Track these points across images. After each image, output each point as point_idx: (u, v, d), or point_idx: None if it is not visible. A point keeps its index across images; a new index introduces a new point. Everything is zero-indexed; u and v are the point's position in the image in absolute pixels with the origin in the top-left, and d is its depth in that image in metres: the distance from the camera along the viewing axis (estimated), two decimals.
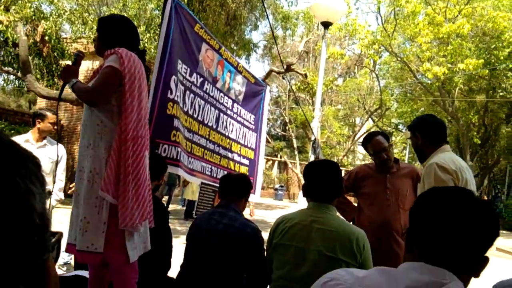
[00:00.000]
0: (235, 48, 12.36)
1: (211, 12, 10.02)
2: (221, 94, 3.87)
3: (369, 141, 2.91)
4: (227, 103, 3.98)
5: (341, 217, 2.34)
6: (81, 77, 2.69)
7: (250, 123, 4.47)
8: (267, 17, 9.18)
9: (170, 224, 2.88)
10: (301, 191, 2.29)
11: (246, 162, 4.40)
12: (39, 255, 0.39)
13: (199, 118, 3.52)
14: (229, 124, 4.04)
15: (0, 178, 0.35)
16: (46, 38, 8.87)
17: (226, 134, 3.99)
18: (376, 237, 2.60)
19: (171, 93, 3.10)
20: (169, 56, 3.06)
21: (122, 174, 1.97)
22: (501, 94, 16.44)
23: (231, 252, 2.21)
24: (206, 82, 3.59)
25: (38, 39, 8.85)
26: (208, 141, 3.67)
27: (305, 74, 12.76)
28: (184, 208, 11.29)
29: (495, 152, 23.06)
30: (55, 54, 9.42)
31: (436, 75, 12.15)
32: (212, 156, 3.75)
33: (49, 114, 3.86)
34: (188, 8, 3.80)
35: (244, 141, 4.37)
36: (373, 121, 20.82)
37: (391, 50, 14.58)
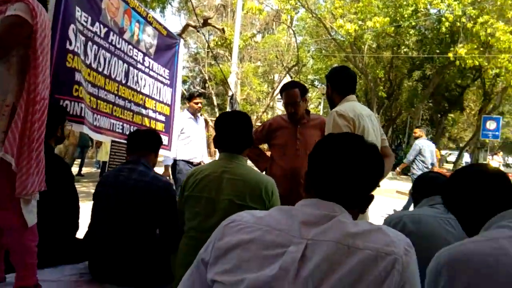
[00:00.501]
0: (147, 0, 11.55)
1: None
2: (130, 46, 3.60)
3: (285, 90, 2.96)
4: (137, 56, 3.73)
5: (253, 167, 2.39)
6: None
7: (164, 77, 4.26)
8: None
9: (84, 187, 2.72)
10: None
11: (162, 118, 4.23)
12: None
13: (105, 72, 3.26)
14: (141, 79, 3.80)
15: None
16: None
17: (138, 89, 3.77)
18: (287, 186, 2.72)
19: (70, 44, 2.82)
20: (65, 2, 2.76)
21: (27, 138, 1.84)
22: (404, 50, 17.77)
23: (142, 207, 2.16)
24: (112, 32, 3.31)
25: None
26: (117, 97, 3.44)
27: (223, 29, 12.49)
28: (99, 170, 10.83)
29: (398, 105, 25.23)
30: None
31: (348, 32, 12.67)
32: (123, 112, 3.53)
33: None
34: None
35: (159, 97, 4.17)
36: (291, 77, 21.34)
37: (306, 6, 14.78)
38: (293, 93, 2.92)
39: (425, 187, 2.05)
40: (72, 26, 2.81)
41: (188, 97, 5.03)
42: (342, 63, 20.49)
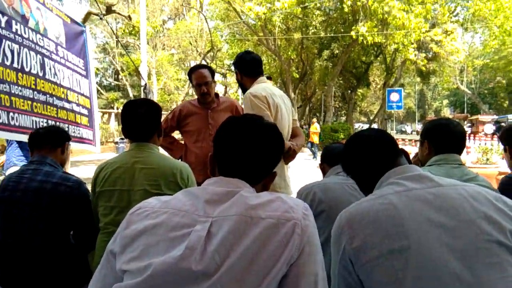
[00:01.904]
0: None
1: None
2: (39, 35, 3.25)
3: (194, 72, 2.94)
4: (49, 46, 3.39)
5: (167, 155, 2.35)
6: None
7: (80, 68, 3.95)
8: None
9: None
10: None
11: (85, 112, 3.94)
12: None
13: (16, 65, 2.92)
14: (58, 71, 3.48)
15: None
16: None
17: (58, 82, 3.45)
18: (203, 172, 2.72)
19: None
20: None
21: None
22: (312, 31, 18.52)
23: (50, 210, 2.02)
24: (14, 21, 2.96)
25: None
26: (36, 92, 3.13)
27: (129, 16, 11.88)
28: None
29: (312, 84, 26.37)
30: None
31: (258, 15, 12.85)
32: (45, 108, 3.23)
33: None
34: None
35: (80, 89, 3.87)
36: (207, 63, 21.16)
37: None
38: (203, 72, 2.91)
39: (330, 157, 2.21)
40: None
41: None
42: (256, 46, 20.79)
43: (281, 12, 14.16)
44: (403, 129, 49.80)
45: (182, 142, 3.06)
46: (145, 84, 6.17)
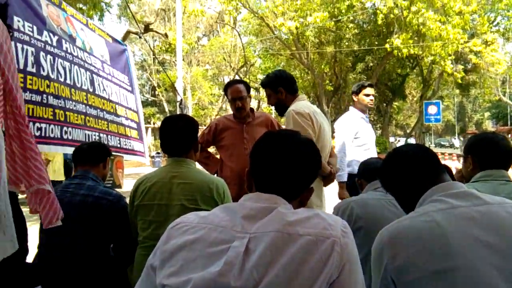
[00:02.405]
0: (84, 8, 11.13)
1: None
2: (86, 54, 3.39)
3: (229, 87, 2.98)
4: (96, 63, 3.52)
5: (203, 170, 2.38)
6: None
7: (126, 84, 4.09)
8: None
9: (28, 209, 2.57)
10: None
11: (134, 125, 4.06)
12: None
13: (68, 81, 3.03)
14: (106, 86, 3.61)
15: None
16: None
17: (107, 97, 3.57)
18: (239, 187, 2.74)
19: None
20: None
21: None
22: (346, 44, 18.41)
23: (92, 223, 2.09)
24: (64, 40, 3.08)
25: None
26: (88, 106, 3.24)
27: (166, 34, 12.28)
28: None
29: (346, 98, 26.08)
30: None
31: (290, 30, 12.94)
32: (97, 122, 3.34)
33: None
34: None
35: (127, 104, 4.00)
36: (240, 78, 21.45)
37: (248, 6, 14.91)
38: (239, 87, 2.93)
39: (367, 172, 2.16)
40: None
41: (356, 90, 3.76)
42: (288, 60, 20.90)
43: (313, 26, 14.20)
44: (442, 143, 48.12)
45: (218, 156, 3.09)
46: (181, 99, 6.32)
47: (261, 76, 27.30)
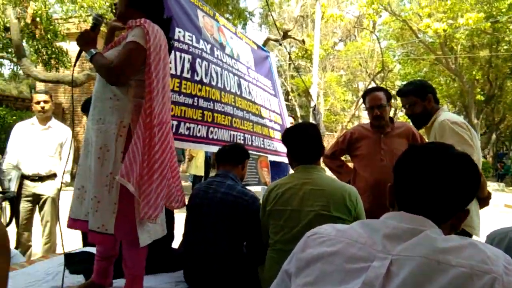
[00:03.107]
0: (230, 18, 12.10)
1: None
2: (233, 60, 3.69)
3: (368, 94, 2.88)
4: (242, 69, 3.80)
5: (332, 176, 2.35)
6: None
7: (269, 88, 4.33)
8: None
9: None
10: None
11: (278, 127, 4.28)
12: None
13: (219, 85, 3.30)
14: (252, 90, 3.86)
15: None
16: (37, 19, 8.73)
17: (252, 99, 3.81)
18: (372, 198, 2.62)
19: None
20: None
21: (148, 164, 1.88)
22: (505, 47, 16.10)
23: (230, 220, 2.24)
24: (215, 48, 3.40)
25: (29, 21, 8.70)
26: (235, 108, 3.48)
27: (303, 40, 12.54)
28: (191, 183, 11.43)
29: (501, 108, 22.83)
30: (48, 35, 9.29)
31: (437, 32, 11.89)
32: (242, 123, 3.58)
33: (34, 94, 3.81)
34: None
35: (270, 106, 4.22)
36: (376, 84, 20.59)
37: (390, 9, 14.22)
38: (378, 95, 2.81)
39: None
40: None
41: None
42: (432, 65, 19.23)
43: (465, 29, 12.78)
44: None
45: (351, 165, 3.02)
46: (315, 105, 6.36)
47: (399, 83, 25.75)
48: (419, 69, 21.01)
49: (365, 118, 29.25)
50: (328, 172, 2.46)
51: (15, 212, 3.64)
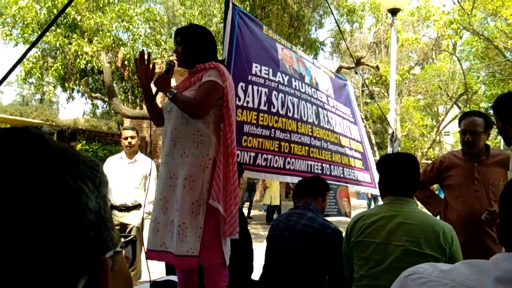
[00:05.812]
0: (301, 49, 12.27)
1: (273, 17, 10.09)
2: (313, 89, 3.74)
3: (465, 117, 2.70)
4: (321, 97, 3.84)
5: (425, 210, 2.19)
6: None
7: (349, 115, 4.30)
8: (332, 13, 9.00)
9: (253, 229, 2.92)
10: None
11: (359, 155, 4.22)
12: (97, 251, 0.40)
13: (296, 116, 3.37)
14: (331, 119, 3.88)
15: (49, 177, 0.37)
16: (126, 62, 9.63)
17: (331, 128, 3.82)
18: (465, 232, 2.39)
19: (239, 100, 3.13)
20: (234, 63, 3.09)
21: (230, 186, 2.10)
22: None
23: (311, 252, 2.18)
24: (294, 79, 3.48)
25: (119, 65, 9.64)
26: (312, 138, 3.51)
27: (377, 66, 12.25)
28: (266, 213, 11.47)
29: None
30: (135, 77, 10.19)
31: None
32: (320, 153, 3.59)
33: (122, 131, 4.14)
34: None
35: (350, 134, 4.18)
36: (459, 107, 19.29)
37: (471, 28, 13.41)
38: (474, 120, 2.60)
39: None
40: (241, 84, 3.13)
41: None
42: None
43: None
44: None
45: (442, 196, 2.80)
46: (393, 132, 6.07)
47: (484, 105, 23.86)
48: (508, 89, 19.31)
49: (447, 144, 27.37)
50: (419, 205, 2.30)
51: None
